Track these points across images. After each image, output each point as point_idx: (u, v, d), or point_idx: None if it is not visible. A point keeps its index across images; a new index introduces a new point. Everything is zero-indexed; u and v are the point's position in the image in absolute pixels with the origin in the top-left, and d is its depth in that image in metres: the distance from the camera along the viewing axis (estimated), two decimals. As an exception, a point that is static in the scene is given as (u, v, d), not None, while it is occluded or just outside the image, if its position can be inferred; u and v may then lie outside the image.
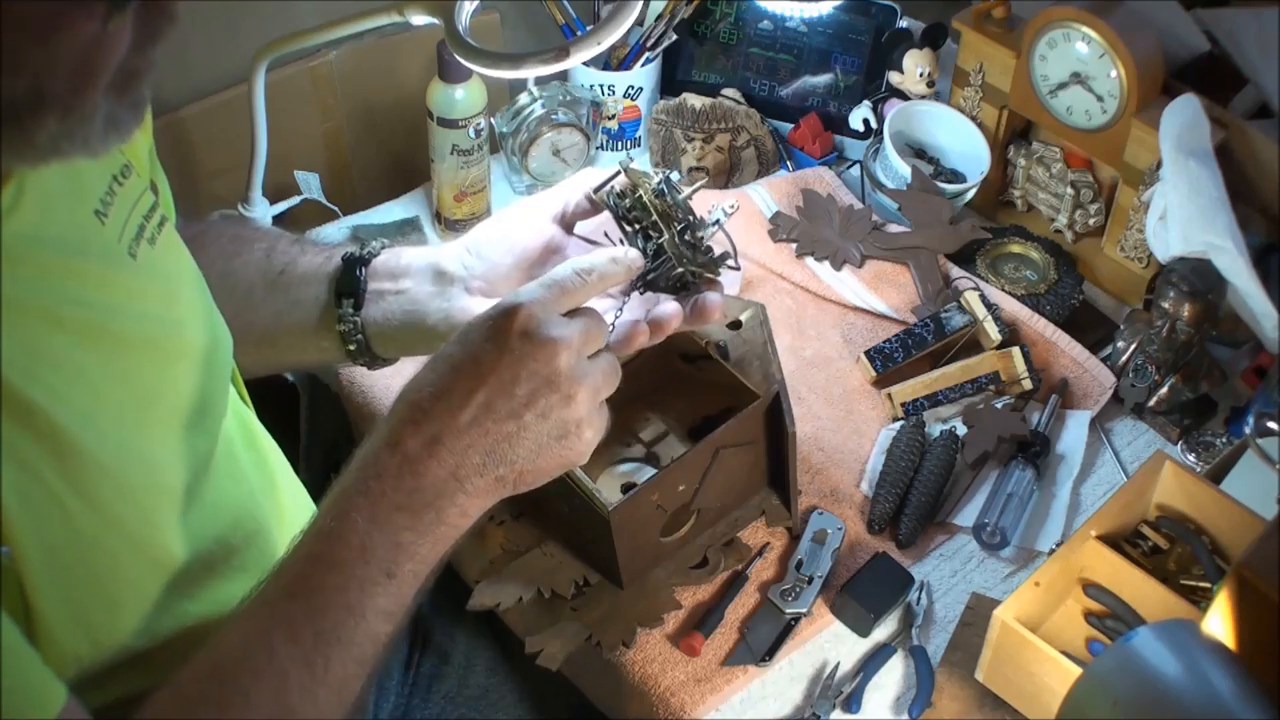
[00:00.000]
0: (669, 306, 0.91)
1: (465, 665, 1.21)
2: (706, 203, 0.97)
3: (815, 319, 1.40)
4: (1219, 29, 1.44)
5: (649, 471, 1.12)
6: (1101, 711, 0.94)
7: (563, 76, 1.52)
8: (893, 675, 1.10)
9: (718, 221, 0.95)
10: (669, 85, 1.60)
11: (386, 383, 1.28)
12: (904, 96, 1.54)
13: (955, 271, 1.41)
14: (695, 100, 1.53)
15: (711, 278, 0.95)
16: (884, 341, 1.33)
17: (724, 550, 1.15)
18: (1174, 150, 1.26)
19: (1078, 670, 0.97)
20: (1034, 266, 1.43)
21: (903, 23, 1.56)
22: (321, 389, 1.39)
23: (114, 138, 0.68)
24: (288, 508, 0.98)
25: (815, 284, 1.42)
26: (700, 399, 1.15)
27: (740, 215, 1.45)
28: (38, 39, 0.61)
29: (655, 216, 0.92)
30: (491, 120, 1.45)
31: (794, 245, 1.44)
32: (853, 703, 1.07)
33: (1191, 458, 1.28)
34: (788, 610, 1.11)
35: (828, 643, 1.13)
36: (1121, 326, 1.33)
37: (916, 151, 1.54)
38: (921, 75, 1.51)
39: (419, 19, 1.15)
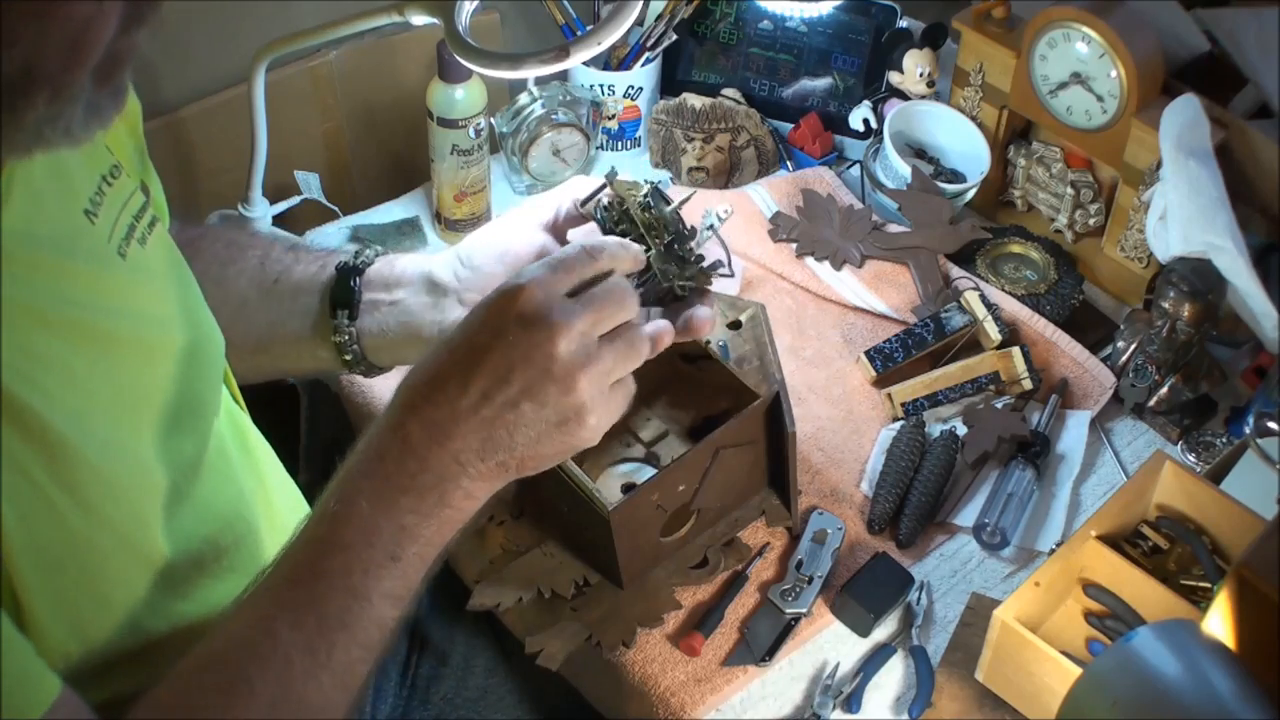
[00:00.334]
0: (660, 324, 0.89)
1: (464, 666, 1.21)
2: (703, 205, 0.97)
3: (815, 319, 1.40)
4: (1219, 29, 1.44)
5: (649, 471, 1.12)
6: (1101, 711, 0.94)
7: (563, 76, 1.52)
8: (893, 675, 1.10)
9: (711, 227, 0.95)
10: (669, 85, 1.60)
11: (386, 383, 1.27)
12: (904, 96, 1.54)
13: (955, 271, 1.41)
14: (695, 100, 1.53)
15: (703, 288, 0.94)
16: (884, 341, 1.33)
17: (724, 550, 1.15)
18: (1174, 150, 1.26)
19: (1078, 670, 0.97)
20: (1034, 266, 1.43)
21: (903, 23, 1.56)
22: (321, 390, 1.39)
23: (95, 124, 0.67)
24: (279, 509, 0.98)
25: (815, 284, 1.42)
26: (700, 399, 1.15)
27: (740, 215, 1.45)
28: (34, 14, 0.61)
29: (641, 230, 0.92)
30: (491, 120, 1.45)
31: (794, 245, 1.44)
32: (853, 703, 1.07)
33: (1191, 458, 1.28)
34: (788, 610, 1.11)
35: (828, 643, 1.13)
36: (1121, 326, 1.33)
37: (916, 151, 1.54)
38: (921, 75, 1.51)
39: (419, 19, 1.15)
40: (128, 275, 0.80)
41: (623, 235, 0.93)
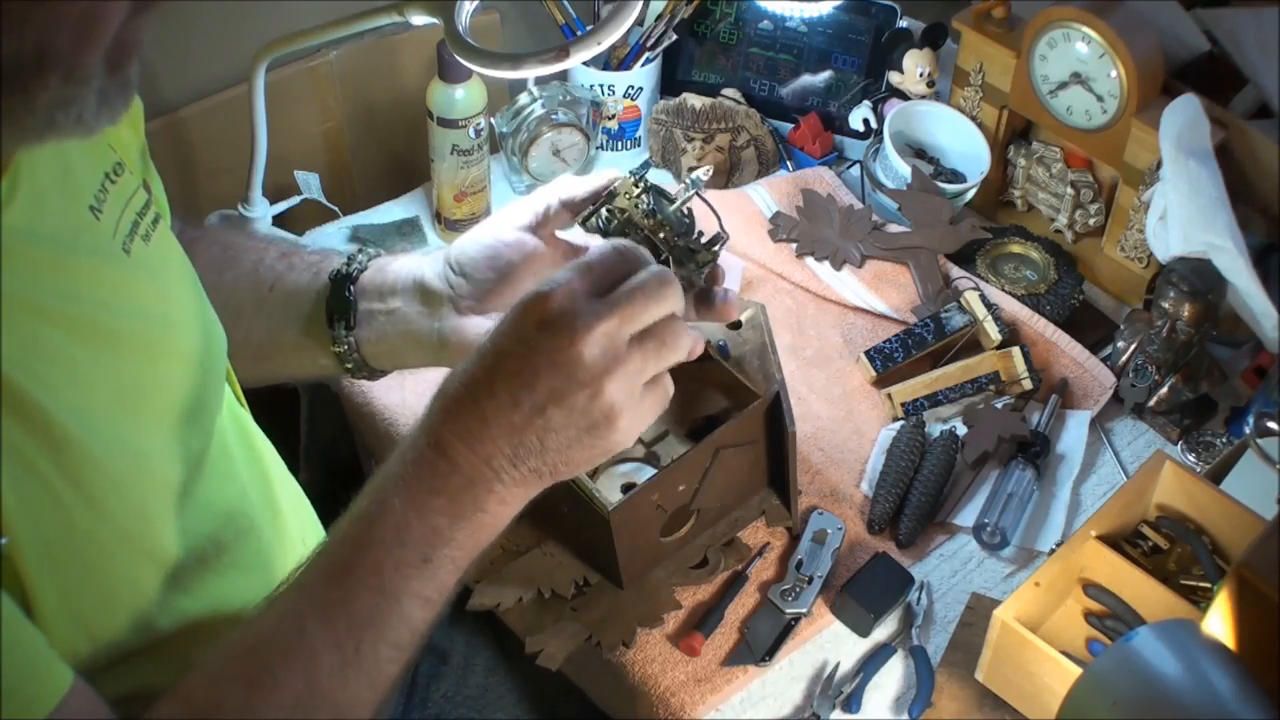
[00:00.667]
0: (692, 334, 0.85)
1: (464, 665, 1.21)
2: (701, 204, 0.97)
3: (815, 319, 1.40)
4: (1219, 29, 1.44)
5: (649, 471, 1.12)
6: (1101, 711, 0.94)
7: (563, 76, 1.52)
8: (893, 675, 1.10)
9: (694, 183, 0.94)
10: (669, 85, 1.60)
11: (387, 384, 1.28)
12: (904, 96, 1.54)
13: (955, 271, 1.41)
14: (695, 100, 1.53)
15: (715, 271, 0.94)
16: (884, 341, 1.33)
17: (724, 550, 1.15)
18: (1174, 150, 1.26)
19: (1078, 670, 0.97)
20: (1034, 266, 1.43)
21: (903, 23, 1.56)
22: (321, 390, 1.39)
23: (105, 116, 0.67)
24: (282, 506, 0.98)
25: (815, 284, 1.42)
26: (700, 399, 1.15)
27: (740, 215, 1.45)
28: None
29: (648, 235, 0.91)
30: (491, 120, 1.45)
31: (794, 245, 1.44)
32: (853, 703, 1.07)
33: (1191, 458, 1.28)
34: (788, 610, 1.11)
35: (828, 643, 1.13)
36: (1121, 326, 1.33)
37: (916, 151, 1.54)
38: (921, 75, 1.51)
39: (419, 19, 1.15)
40: (132, 271, 0.80)
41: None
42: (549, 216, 0.99)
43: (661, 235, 0.91)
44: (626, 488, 1.10)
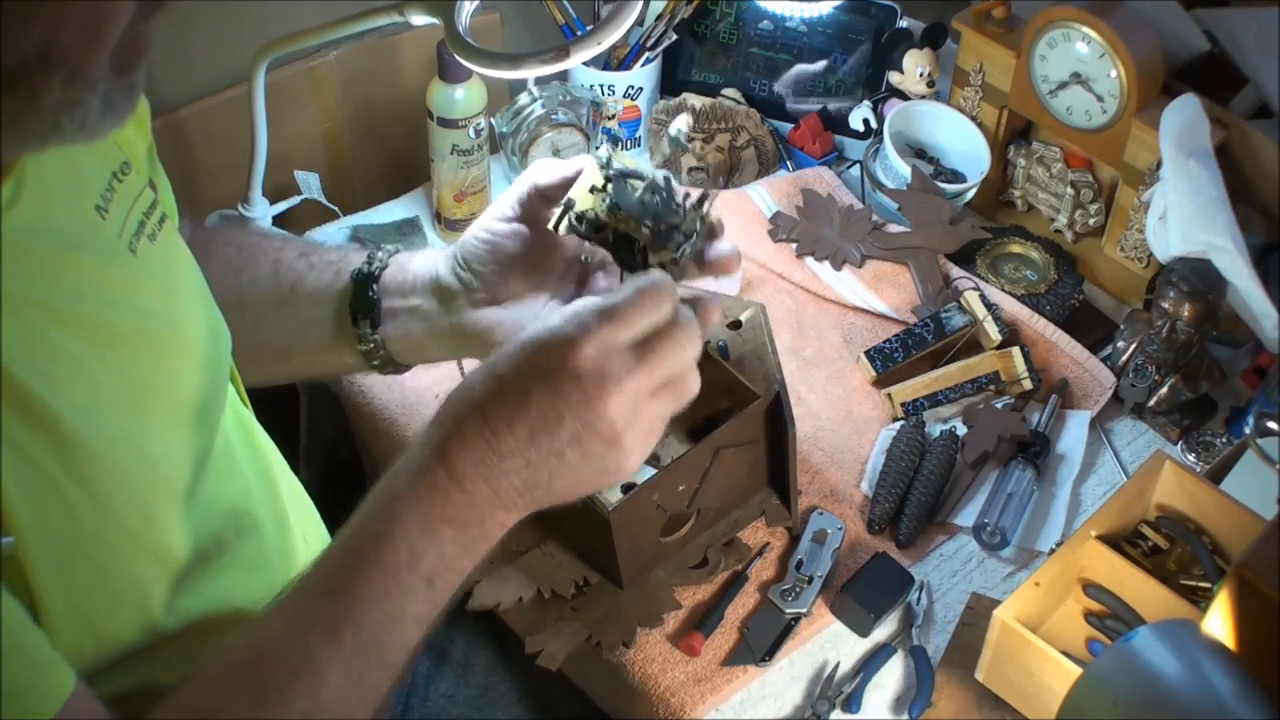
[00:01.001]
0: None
1: (464, 665, 1.21)
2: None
3: (815, 319, 1.40)
4: (1219, 29, 1.44)
5: (649, 471, 1.11)
6: (1101, 711, 0.94)
7: (563, 76, 1.52)
8: (893, 675, 1.10)
9: (667, 178, 0.94)
10: (669, 85, 1.60)
11: (387, 383, 1.28)
12: (904, 96, 1.54)
13: (955, 271, 1.41)
14: (695, 100, 1.53)
15: (709, 224, 0.94)
16: (884, 341, 1.33)
17: (724, 550, 1.15)
18: (1174, 150, 1.26)
19: (1078, 670, 0.97)
20: (1034, 266, 1.43)
21: (903, 23, 1.56)
22: (321, 389, 1.39)
23: (110, 120, 0.67)
24: (284, 506, 0.98)
25: (815, 284, 1.42)
26: (700, 399, 1.14)
27: (740, 215, 1.45)
28: None
29: (614, 229, 0.92)
30: (491, 120, 1.45)
31: (794, 245, 1.44)
32: (853, 703, 1.07)
33: (1191, 458, 1.28)
34: (788, 610, 1.11)
35: (828, 643, 1.13)
36: (1121, 326, 1.33)
37: (916, 151, 1.53)
38: (921, 75, 1.51)
39: (419, 19, 1.15)
40: (138, 271, 0.80)
41: (604, 244, 0.93)
42: (531, 202, 1.00)
43: (630, 226, 0.92)
44: (626, 488, 1.10)
